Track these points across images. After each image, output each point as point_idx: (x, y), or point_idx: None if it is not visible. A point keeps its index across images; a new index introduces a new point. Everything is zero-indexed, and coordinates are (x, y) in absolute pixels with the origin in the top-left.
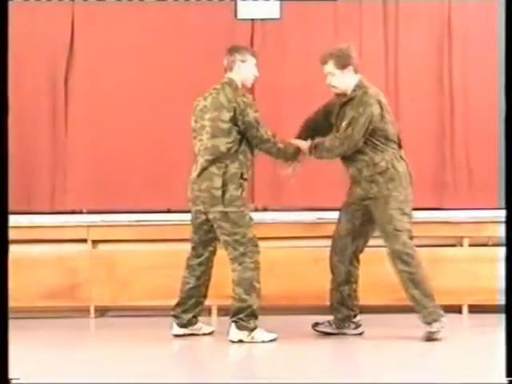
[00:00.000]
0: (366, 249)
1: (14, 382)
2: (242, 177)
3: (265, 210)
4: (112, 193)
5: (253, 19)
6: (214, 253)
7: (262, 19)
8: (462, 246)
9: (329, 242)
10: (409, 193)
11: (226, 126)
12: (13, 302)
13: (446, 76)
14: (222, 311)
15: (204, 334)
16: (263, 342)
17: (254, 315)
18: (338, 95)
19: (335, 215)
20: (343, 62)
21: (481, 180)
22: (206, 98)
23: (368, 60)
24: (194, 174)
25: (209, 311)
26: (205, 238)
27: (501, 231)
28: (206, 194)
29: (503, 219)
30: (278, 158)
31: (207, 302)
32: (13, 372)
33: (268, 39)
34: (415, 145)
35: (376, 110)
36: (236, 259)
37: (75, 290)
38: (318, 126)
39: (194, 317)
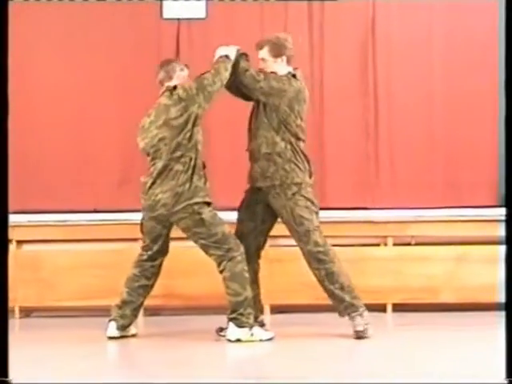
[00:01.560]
0: (290, 248)
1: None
2: (205, 166)
3: None
4: (38, 192)
5: (179, 19)
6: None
7: (188, 19)
8: (386, 245)
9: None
10: (310, 189)
11: (180, 120)
12: None
13: (370, 75)
14: (149, 311)
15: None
16: (261, 340)
17: (251, 307)
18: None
19: None
20: (277, 50)
21: (404, 179)
22: (150, 115)
23: (293, 59)
24: (150, 179)
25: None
26: (162, 249)
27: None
28: (168, 194)
29: (426, 219)
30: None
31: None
32: None
33: (194, 39)
34: (339, 144)
35: (290, 93)
36: (223, 257)
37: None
38: None
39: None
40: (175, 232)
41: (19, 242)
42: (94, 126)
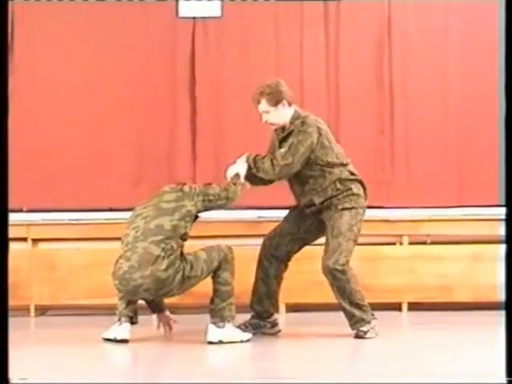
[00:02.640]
0: (313, 246)
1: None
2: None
3: None
4: (53, 191)
5: (194, 18)
6: None
7: (204, 18)
8: (401, 244)
9: None
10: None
11: (169, 205)
12: None
13: (386, 75)
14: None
15: None
16: (242, 341)
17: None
18: (275, 130)
19: (275, 214)
20: (276, 98)
21: (420, 179)
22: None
23: (308, 58)
24: (127, 264)
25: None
26: None
27: (451, 229)
28: (150, 279)
29: (441, 218)
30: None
31: None
32: None
33: (209, 38)
34: (355, 143)
35: (315, 138)
36: (218, 269)
37: (15, 288)
38: None
39: None
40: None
41: (34, 241)
42: (109, 126)
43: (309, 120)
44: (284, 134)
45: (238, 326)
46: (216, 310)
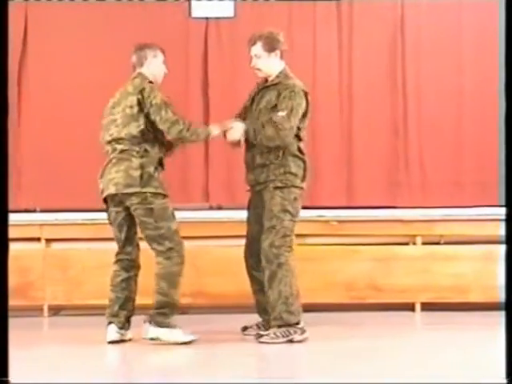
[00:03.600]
0: (318, 246)
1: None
2: (160, 162)
3: (219, 208)
4: (66, 191)
5: (207, 18)
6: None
7: (217, 18)
8: (414, 244)
9: None
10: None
11: (133, 110)
12: None
13: (399, 75)
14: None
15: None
16: (183, 343)
17: (174, 311)
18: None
19: None
20: (271, 44)
21: (434, 179)
22: (115, 96)
23: (322, 59)
24: (107, 163)
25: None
26: (129, 236)
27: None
28: (121, 174)
29: (455, 217)
30: (191, 141)
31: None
32: None
33: (222, 38)
34: (368, 142)
35: (305, 105)
36: (162, 253)
37: (28, 288)
38: None
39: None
40: (201, 230)
41: (48, 241)
42: None
43: (298, 83)
44: (268, 84)
45: (251, 327)
46: (152, 315)
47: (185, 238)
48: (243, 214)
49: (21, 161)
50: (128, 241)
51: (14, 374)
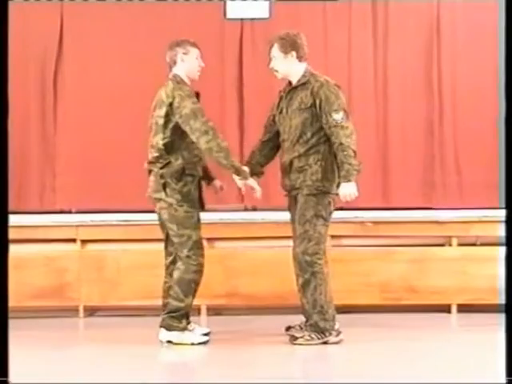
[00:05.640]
0: (353, 248)
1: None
2: (184, 172)
3: (254, 209)
4: (101, 192)
5: (242, 19)
6: None
7: (252, 19)
8: (450, 245)
9: None
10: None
11: (162, 121)
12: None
13: (434, 76)
14: (212, 310)
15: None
16: (192, 344)
17: (186, 316)
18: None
19: None
20: (287, 46)
21: (470, 180)
22: (155, 99)
23: (357, 59)
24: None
25: (198, 311)
26: (169, 242)
27: (498, 230)
28: (153, 178)
29: (491, 219)
30: (218, 157)
31: (196, 302)
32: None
33: (257, 39)
34: (404, 143)
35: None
36: (180, 259)
37: (64, 289)
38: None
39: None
40: (236, 232)
41: (83, 242)
42: None
43: (328, 79)
44: (295, 85)
45: (293, 327)
46: (164, 319)
47: (220, 239)
48: (278, 216)
49: (56, 163)
50: (171, 243)
51: (47, 375)
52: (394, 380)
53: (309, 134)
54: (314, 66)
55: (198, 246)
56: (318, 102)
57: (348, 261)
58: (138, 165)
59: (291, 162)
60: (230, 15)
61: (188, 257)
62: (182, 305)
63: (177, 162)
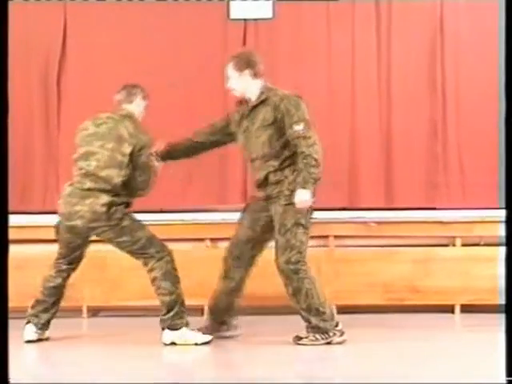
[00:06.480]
0: (357, 248)
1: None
2: (127, 205)
3: None
4: None
5: (245, 19)
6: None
7: (255, 19)
8: (454, 245)
9: (320, 242)
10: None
11: (124, 159)
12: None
13: (438, 76)
14: None
15: None
16: (196, 344)
17: (184, 307)
18: (238, 105)
19: (333, 215)
20: (241, 64)
21: (473, 180)
22: (99, 125)
23: (360, 60)
24: (72, 187)
25: (201, 311)
26: (81, 256)
27: (500, 230)
28: (87, 208)
29: (495, 219)
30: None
31: (198, 302)
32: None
33: (261, 39)
34: (407, 145)
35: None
36: (151, 258)
37: (67, 289)
38: (202, 144)
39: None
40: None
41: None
42: (159, 127)
43: (287, 91)
44: (255, 103)
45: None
46: (165, 320)
47: (222, 239)
48: None
49: (59, 163)
50: (78, 259)
51: (51, 375)
52: (398, 380)
53: (278, 148)
54: (317, 69)
55: (156, 238)
56: (279, 116)
57: (351, 261)
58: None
59: (266, 177)
60: (233, 15)
61: (157, 252)
62: (174, 296)
63: (124, 194)
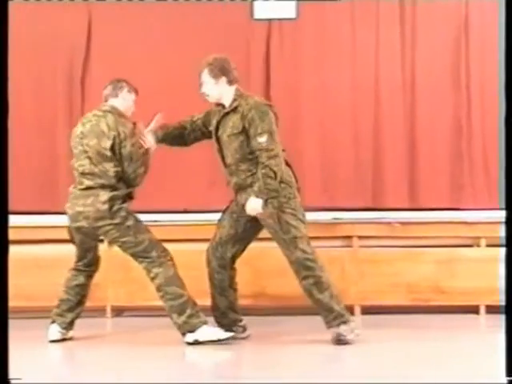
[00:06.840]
0: (381, 249)
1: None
2: (129, 196)
3: None
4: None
5: (269, 19)
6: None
7: (279, 19)
8: (479, 246)
9: (344, 243)
10: (298, 199)
11: (107, 152)
12: (30, 302)
13: (463, 74)
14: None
15: None
16: (219, 340)
17: (196, 306)
18: (217, 105)
19: (352, 215)
20: (216, 71)
21: (498, 180)
22: (84, 125)
23: (385, 59)
24: (75, 189)
25: None
26: (96, 257)
27: (501, 231)
28: (90, 208)
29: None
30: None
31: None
32: (27, 372)
33: (284, 39)
34: (432, 145)
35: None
36: (153, 263)
37: (92, 289)
38: (187, 134)
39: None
40: (264, 232)
41: (110, 242)
42: None
43: (258, 99)
44: (227, 110)
45: None
46: (181, 325)
47: None
48: (307, 216)
49: None
50: (95, 260)
51: (74, 374)
52: (422, 380)
53: (251, 154)
54: (341, 68)
55: (159, 243)
56: (246, 125)
57: (376, 261)
58: (166, 165)
59: (242, 181)
60: (257, 16)
61: (159, 256)
62: (184, 299)
63: (123, 187)
